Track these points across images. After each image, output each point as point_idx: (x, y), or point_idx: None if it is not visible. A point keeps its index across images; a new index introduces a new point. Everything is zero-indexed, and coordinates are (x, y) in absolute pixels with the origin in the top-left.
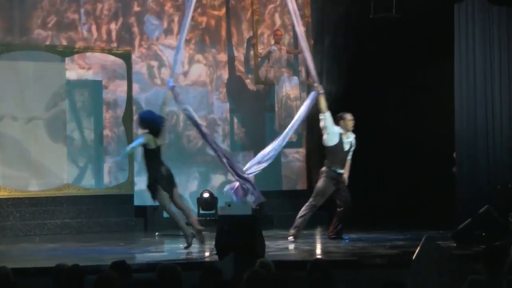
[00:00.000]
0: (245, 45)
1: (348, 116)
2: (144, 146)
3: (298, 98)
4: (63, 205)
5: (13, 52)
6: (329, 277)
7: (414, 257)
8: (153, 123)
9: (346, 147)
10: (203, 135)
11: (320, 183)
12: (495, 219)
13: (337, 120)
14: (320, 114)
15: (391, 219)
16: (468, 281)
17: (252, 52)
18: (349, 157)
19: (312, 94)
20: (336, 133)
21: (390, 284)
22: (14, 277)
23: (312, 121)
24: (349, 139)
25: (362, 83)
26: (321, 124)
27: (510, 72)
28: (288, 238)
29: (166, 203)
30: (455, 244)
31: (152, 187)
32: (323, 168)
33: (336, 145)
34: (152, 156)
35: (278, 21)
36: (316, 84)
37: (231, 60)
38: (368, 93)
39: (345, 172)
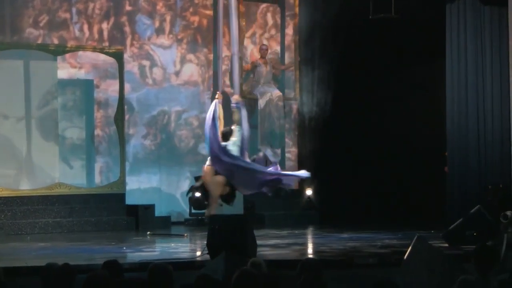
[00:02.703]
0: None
1: None
2: None
3: (282, 99)
4: (55, 204)
5: (5, 51)
6: (320, 276)
7: (405, 257)
8: None
9: None
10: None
11: None
12: (486, 219)
13: None
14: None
15: (383, 219)
16: (459, 281)
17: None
18: None
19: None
20: None
21: (381, 283)
22: (4, 276)
23: (303, 120)
24: None
25: (353, 83)
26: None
27: (502, 72)
28: None
29: None
30: (446, 244)
31: None
32: None
33: None
34: None
35: (270, 21)
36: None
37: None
38: (359, 93)
39: None
